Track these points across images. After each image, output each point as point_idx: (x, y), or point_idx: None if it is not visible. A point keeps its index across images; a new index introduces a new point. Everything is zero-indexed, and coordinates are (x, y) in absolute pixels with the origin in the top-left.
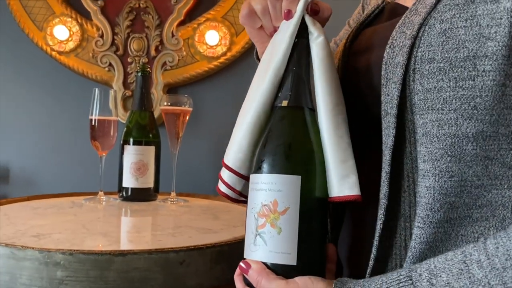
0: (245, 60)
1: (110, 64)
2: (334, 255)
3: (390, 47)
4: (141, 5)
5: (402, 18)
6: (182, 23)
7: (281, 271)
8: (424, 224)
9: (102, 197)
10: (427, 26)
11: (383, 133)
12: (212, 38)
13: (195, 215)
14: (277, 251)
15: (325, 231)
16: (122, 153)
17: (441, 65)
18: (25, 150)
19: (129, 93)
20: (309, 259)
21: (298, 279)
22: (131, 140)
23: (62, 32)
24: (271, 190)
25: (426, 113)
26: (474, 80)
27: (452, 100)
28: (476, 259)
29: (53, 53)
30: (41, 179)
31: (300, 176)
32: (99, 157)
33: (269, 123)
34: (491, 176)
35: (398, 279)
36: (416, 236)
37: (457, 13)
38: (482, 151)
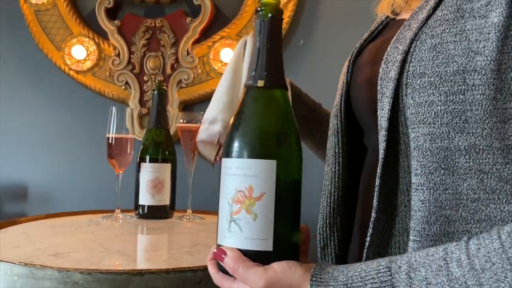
0: None
1: (127, 83)
2: (307, 237)
3: (384, 62)
4: (157, 24)
5: (397, 34)
6: (197, 41)
7: (257, 257)
8: (421, 237)
9: (119, 214)
10: (418, 41)
11: (379, 147)
12: (227, 56)
13: (211, 233)
14: (252, 238)
15: (299, 213)
16: (138, 170)
17: (432, 79)
18: (43, 168)
19: (145, 110)
20: (285, 244)
21: (275, 265)
22: (148, 157)
23: (79, 51)
24: (245, 175)
25: (418, 127)
26: (464, 94)
27: (443, 114)
28: (456, 257)
29: (71, 72)
30: (58, 197)
31: (275, 161)
32: (115, 174)
33: (242, 104)
34: (487, 190)
35: (377, 269)
36: (413, 250)
37: (447, 28)
38: (475, 164)
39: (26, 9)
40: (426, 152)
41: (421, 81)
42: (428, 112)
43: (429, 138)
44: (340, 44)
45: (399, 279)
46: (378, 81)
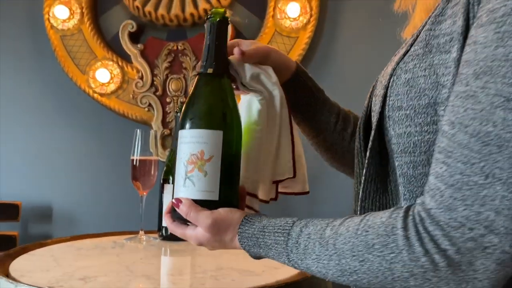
0: None
1: (150, 105)
2: (244, 195)
3: (375, 96)
4: (179, 47)
5: (384, 69)
6: None
7: (207, 205)
8: None
9: (142, 236)
10: (395, 76)
11: (363, 172)
12: None
13: (235, 255)
14: (203, 190)
15: (238, 174)
16: (161, 192)
17: (407, 112)
18: (68, 190)
19: (168, 131)
20: (227, 196)
21: (220, 209)
22: (171, 179)
23: (103, 75)
24: (198, 142)
25: (400, 156)
26: (436, 125)
27: (420, 144)
28: (334, 223)
29: (95, 95)
30: (83, 218)
31: (221, 131)
32: (139, 196)
33: (196, 87)
34: None
35: (285, 221)
36: None
37: (417, 63)
38: None
39: (53, 34)
40: (411, 179)
41: (399, 114)
42: (407, 142)
43: (411, 166)
44: (359, 64)
45: (294, 229)
46: (372, 113)
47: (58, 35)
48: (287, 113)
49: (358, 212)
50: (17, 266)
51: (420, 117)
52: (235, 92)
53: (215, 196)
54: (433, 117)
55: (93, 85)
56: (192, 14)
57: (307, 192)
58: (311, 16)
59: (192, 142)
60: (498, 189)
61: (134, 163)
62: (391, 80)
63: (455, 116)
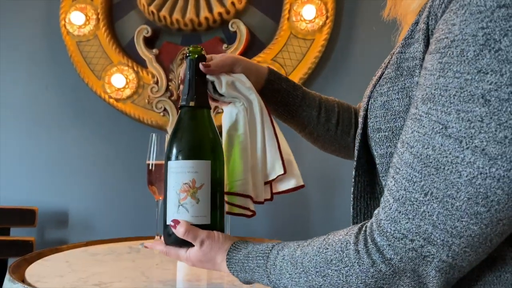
0: None
1: (165, 109)
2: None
3: (360, 116)
4: None
5: (366, 90)
6: None
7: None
8: None
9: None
10: (372, 99)
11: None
12: None
13: None
14: (196, 216)
15: (223, 198)
16: None
17: (386, 133)
18: (84, 195)
19: None
20: (216, 218)
21: (215, 232)
22: None
23: (119, 80)
24: (190, 172)
25: (385, 175)
26: None
27: None
28: (304, 244)
29: (111, 100)
30: (99, 223)
31: (210, 161)
32: (155, 201)
33: (181, 120)
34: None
35: (267, 245)
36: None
37: (391, 86)
38: None
39: (69, 40)
40: None
41: (379, 135)
42: (390, 162)
43: None
44: (376, 66)
45: (273, 253)
46: (357, 131)
47: (74, 41)
48: (267, 115)
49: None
50: (32, 271)
51: (398, 138)
52: (216, 104)
53: (207, 220)
54: None
55: (108, 91)
56: (206, 18)
57: (303, 186)
58: (327, 18)
59: (183, 172)
60: (435, 206)
61: (150, 167)
62: (369, 103)
63: (405, 135)
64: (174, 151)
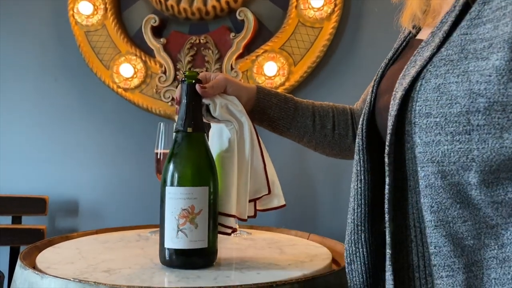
0: (303, 89)
1: (173, 99)
2: None
3: (393, 98)
4: (201, 40)
5: (404, 69)
6: (240, 56)
7: (197, 253)
8: (453, 271)
9: None
10: (423, 80)
11: (386, 180)
12: (270, 69)
13: (260, 249)
14: (195, 240)
15: (216, 223)
16: None
17: (437, 119)
18: (93, 184)
19: None
20: (212, 241)
21: None
22: None
23: (127, 69)
24: (189, 198)
25: (426, 166)
26: (470, 134)
27: (450, 154)
28: None
29: (119, 90)
30: (108, 212)
31: (208, 187)
32: None
33: (179, 146)
34: (504, 215)
35: None
36: (449, 285)
37: (450, 69)
38: (487, 197)
39: (77, 30)
40: (439, 190)
41: (427, 121)
42: (436, 152)
43: (439, 176)
44: (384, 54)
45: None
46: (389, 116)
47: (82, 31)
48: (255, 137)
49: (387, 225)
50: (43, 258)
51: (452, 126)
52: (208, 122)
53: (205, 244)
54: (466, 127)
55: (117, 80)
56: (214, 7)
57: (284, 205)
58: (335, 6)
59: (182, 198)
60: None
61: (158, 156)
62: (419, 84)
63: None
64: (172, 176)
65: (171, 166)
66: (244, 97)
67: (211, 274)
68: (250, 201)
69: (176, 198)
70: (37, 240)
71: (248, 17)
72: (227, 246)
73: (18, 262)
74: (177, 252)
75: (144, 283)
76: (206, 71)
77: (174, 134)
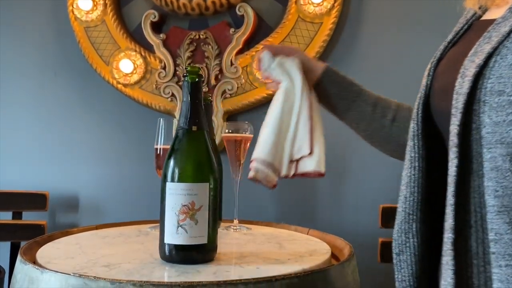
0: None
1: (173, 94)
2: None
3: (461, 76)
4: (201, 36)
5: (475, 46)
6: (240, 52)
7: (197, 248)
8: None
9: None
10: (498, 56)
11: (449, 164)
12: None
13: (260, 244)
14: (195, 236)
15: (217, 217)
16: None
17: (511, 98)
18: (93, 179)
19: None
20: (212, 237)
21: None
22: None
23: (127, 65)
24: (189, 194)
25: (494, 147)
26: None
27: None
28: None
29: (119, 85)
30: (108, 207)
31: (208, 183)
32: None
33: (181, 142)
34: None
35: None
36: (507, 275)
37: None
38: None
39: (77, 26)
40: (506, 173)
41: (499, 99)
42: (507, 132)
43: (508, 159)
44: (384, 49)
45: None
46: (454, 95)
47: (82, 27)
48: (306, 98)
49: (452, 208)
50: (43, 253)
51: None
52: (266, 80)
53: (204, 240)
54: None
55: (116, 76)
56: (213, 2)
57: (323, 174)
58: (335, 1)
59: (182, 194)
60: None
61: (158, 152)
62: (493, 61)
63: None
64: (173, 172)
65: (172, 162)
66: (308, 67)
67: (211, 269)
68: (291, 161)
69: (176, 194)
70: (37, 236)
71: (248, 12)
72: (226, 241)
73: (19, 257)
74: (177, 247)
75: (144, 278)
76: (206, 66)
77: (176, 130)
